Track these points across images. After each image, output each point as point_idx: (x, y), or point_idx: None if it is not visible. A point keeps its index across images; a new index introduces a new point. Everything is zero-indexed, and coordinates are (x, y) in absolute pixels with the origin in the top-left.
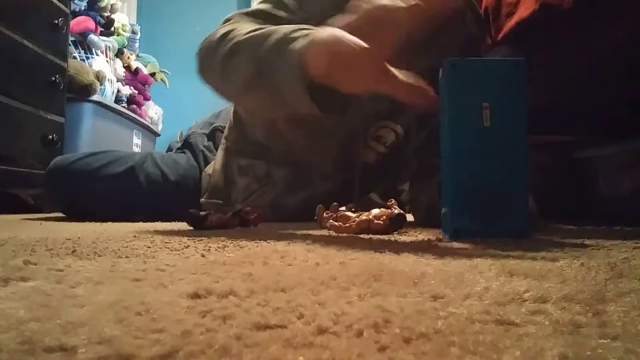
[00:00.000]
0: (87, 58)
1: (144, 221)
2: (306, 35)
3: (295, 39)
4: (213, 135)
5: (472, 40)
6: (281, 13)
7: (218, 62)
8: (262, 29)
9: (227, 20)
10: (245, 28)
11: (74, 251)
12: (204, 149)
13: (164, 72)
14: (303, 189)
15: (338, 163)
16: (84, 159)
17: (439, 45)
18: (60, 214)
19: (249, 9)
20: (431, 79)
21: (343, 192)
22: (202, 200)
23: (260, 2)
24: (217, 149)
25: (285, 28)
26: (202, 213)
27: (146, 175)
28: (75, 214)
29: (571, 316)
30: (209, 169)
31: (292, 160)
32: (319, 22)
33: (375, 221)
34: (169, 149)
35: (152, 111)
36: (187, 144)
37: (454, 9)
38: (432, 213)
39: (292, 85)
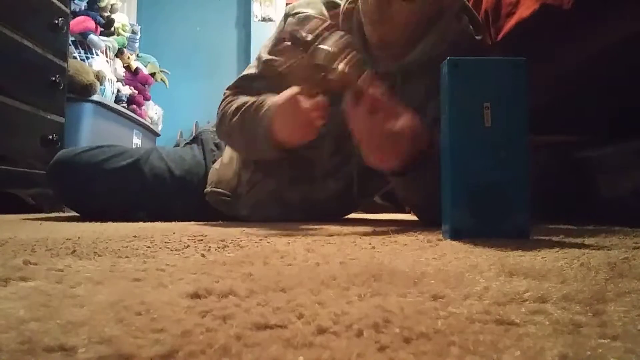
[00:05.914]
0: (87, 58)
1: (145, 219)
2: (268, 109)
3: (261, 118)
4: None
5: (466, 37)
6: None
7: (226, 135)
8: (244, 106)
9: (227, 92)
10: (238, 103)
11: (74, 251)
12: (214, 147)
13: (164, 72)
14: (305, 184)
15: (336, 159)
16: (89, 151)
17: (429, 40)
18: (60, 214)
19: (238, 79)
20: (420, 73)
21: (344, 195)
22: (206, 190)
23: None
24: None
25: (254, 109)
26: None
27: (151, 168)
28: (78, 207)
29: (571, 316)
30: (216, 165)
31: (294, 153)
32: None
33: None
34: (176, 146)
35: (152, 111)
36: (197, 140)
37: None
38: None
39: (267, 146)
